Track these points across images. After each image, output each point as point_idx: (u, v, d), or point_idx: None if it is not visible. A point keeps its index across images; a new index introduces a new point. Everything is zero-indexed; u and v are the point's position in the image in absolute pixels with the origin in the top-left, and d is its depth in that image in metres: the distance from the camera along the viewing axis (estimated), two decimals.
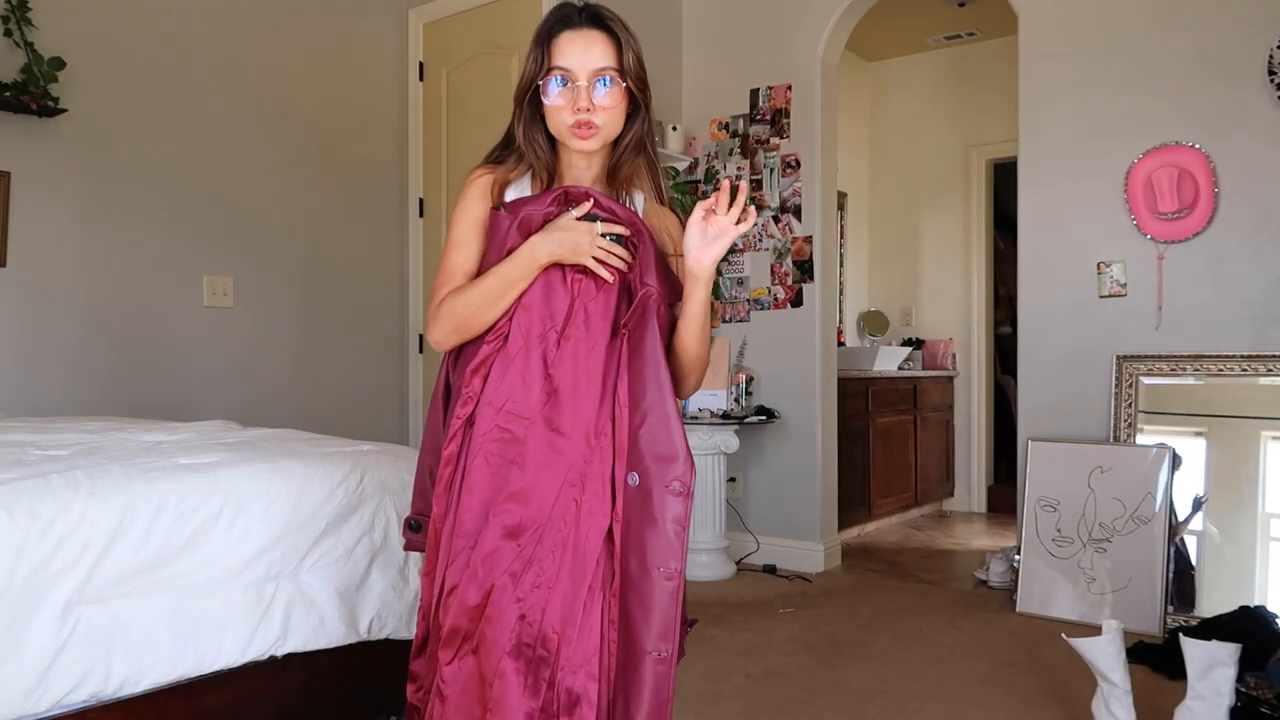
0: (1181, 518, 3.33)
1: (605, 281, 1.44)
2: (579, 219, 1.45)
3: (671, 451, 1.39)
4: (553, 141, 1.52)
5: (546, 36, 1.46)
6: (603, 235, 1.44)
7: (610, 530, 1.38)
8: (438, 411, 1.54)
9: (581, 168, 1.52)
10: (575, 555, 1.37)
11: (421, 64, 4.54)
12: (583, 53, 1.43)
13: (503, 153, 1.55)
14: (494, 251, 1.47)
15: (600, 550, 1.37)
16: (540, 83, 1.46)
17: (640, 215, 1.52)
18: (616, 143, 1.52)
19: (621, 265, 1.45)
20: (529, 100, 1.49)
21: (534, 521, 1.38)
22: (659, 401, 1.41)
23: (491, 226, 1.49)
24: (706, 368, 1.56)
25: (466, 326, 1.46)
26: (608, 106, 1.44)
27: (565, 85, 1.43)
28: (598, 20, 1.46)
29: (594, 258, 1.43)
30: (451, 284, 1.49)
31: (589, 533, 1.37)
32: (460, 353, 1.50)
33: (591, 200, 1.46)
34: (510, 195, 1.52)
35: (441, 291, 1.49)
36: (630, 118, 1.50)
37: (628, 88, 1.46)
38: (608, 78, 1.43)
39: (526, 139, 1.51)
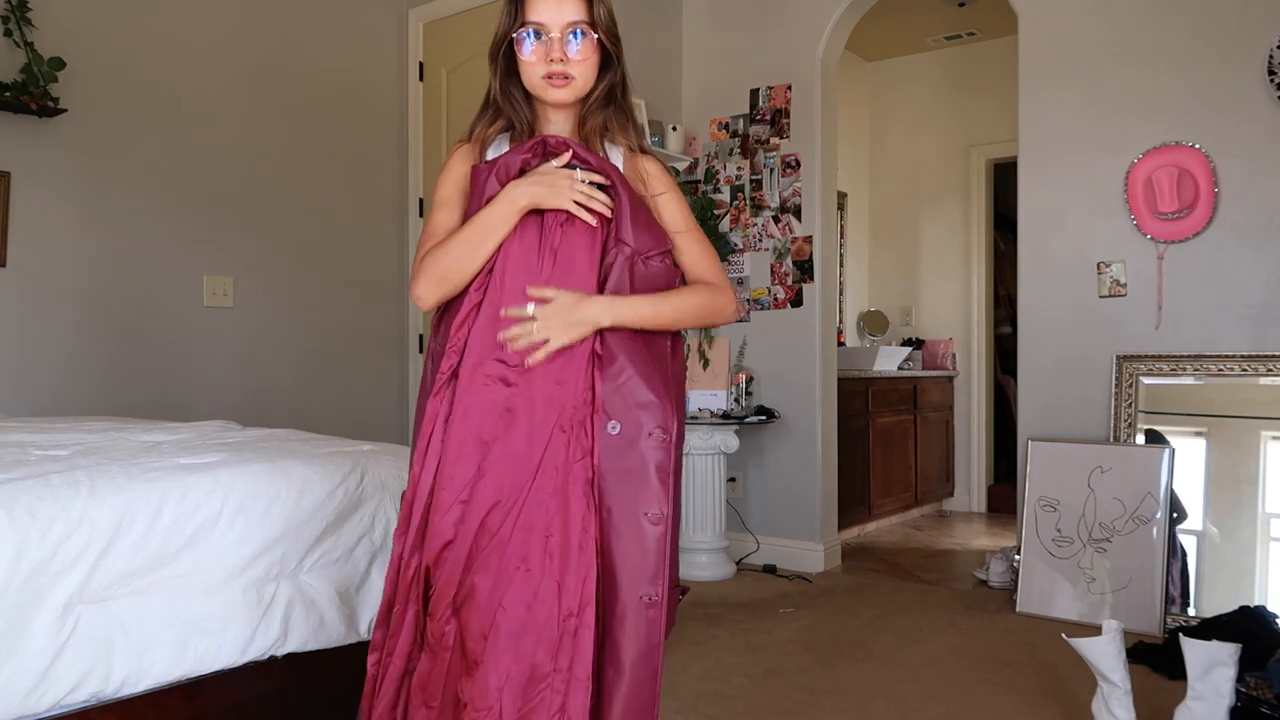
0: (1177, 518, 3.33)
1: (589, 225, 1.44)
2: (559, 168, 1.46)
3: (651, 399, 1.41)
4: (528, 96, 1.53)
5: None
6: (582, 181, 1.45)
7: (592, 478, 1.38)
8: (426, 397, 1.53)
9: (557, 122, 1.53)
10: (563, 503, 1.37)
11: (421, 64, 4.54)
12: (555, 7, 1.44)
13: (480, 117, 1.56)
14: (474, 201, 1.48)
15: (586, 498, 1.38)
16: (514, 36, 1.47)
17: (621, 166, 1.53)
18: (590, 95, 1.53)
19: (604, 210, 1.45)
20: (504, 56, 1.51)
21: (522, 471, 1.39)
22: (641, 354, 1.43)
23: (471, 180, 1.50)
24: (709, 320, 1.58)
25: (449, 277, 1.45)
26: (580, 59, 1.46)
27: (538, 39, 1.45)
28: None
29: (575, 201, 1.43)
30: (434, 241, 1.49)
31: (575, 480, 1.38)
32: (444, 313, 1.50)
33: (570, 150, 1.46)
34: (490, 156, 1.53)
35: (424, 248, 1.49)
36: (603, 72, 1.52)
37: (599, 40, 1.48)
38: (579, 30, 1.45)
39: (503, 94, 1.52)
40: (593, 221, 1.44)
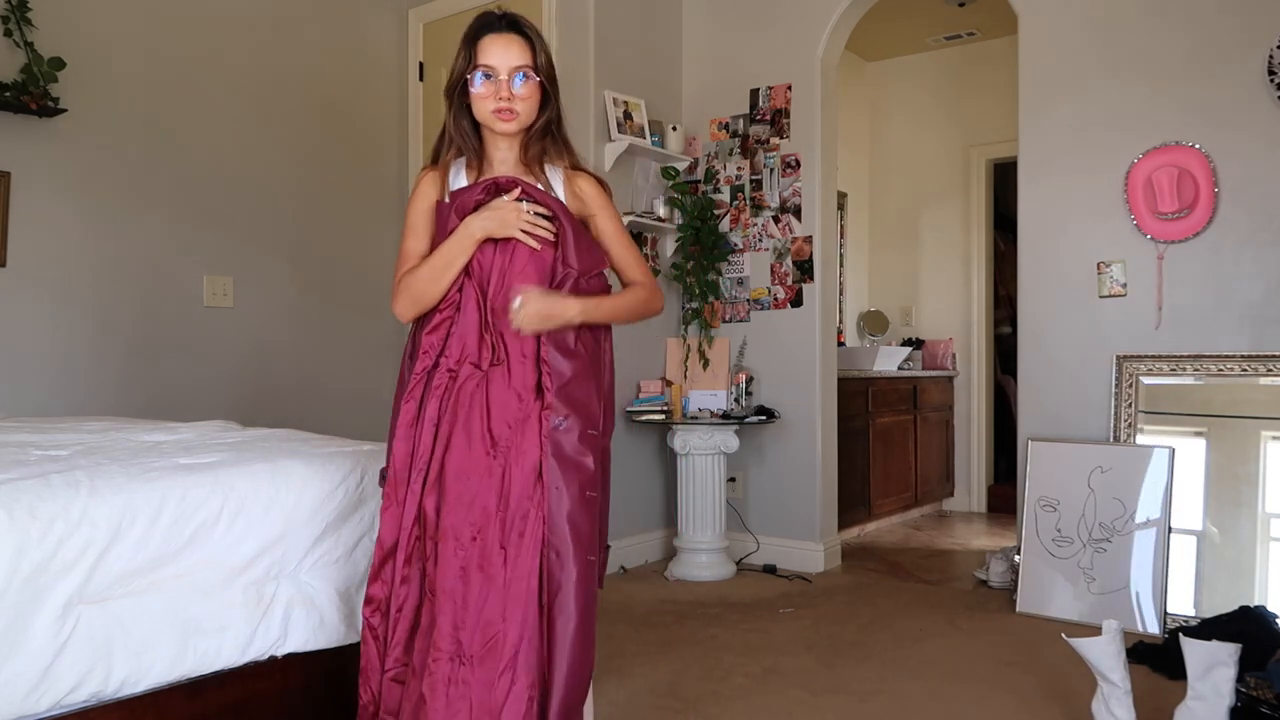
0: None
1: (535, 250, 1.74)
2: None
3: (586, 401, 1.73)
4: (477, 128, 1.81)
5: (473, 38, 1.76)
6: (528, 213, 1.73)
7: (540, 463, 1.67)
8: (405, 371, 1.81)
9: (504, 149, 1.82)
10: (518, 483, 1.67)
11: (421, 64, 4.54)
12: (503, 52, 1.74)
13: (440, 145, 1.85)
14: (440, 233, 1.78)
15: (534, 478, 1.67)
16: (468, 77, 1.75)
17: (561, 186, 1.82)
18: (531, 127, 1.81)
19: (548, 235, 1.75)
20: (458, 94, 1.78)
21: (480, 457, 1.67)
22: (583, 363, 1.75)
23: (437, 215, 1.80)
24: (646, 315, 1.90)
25: (421, 299, 1.77)
26: (524, 97, 1.75)
27: (489, 79, 1.74)
28: (515, 26, 1.77)
29: (521, 230, 1.73)
30: (406, 265, 1.80)
31: (526, 464, 1.67)
32: (419, 322, 1.80)
33: (519, 187, 1.76)
34: (451, 178, 1.82)
35: (399, 272, 1.80)
36: (543, 107, 1.80)
37: (540, 82, 1.77)
38: (524, 73, 1.74)
39: (456, 127, 1.80)
40: (537, 246, 1.74)
